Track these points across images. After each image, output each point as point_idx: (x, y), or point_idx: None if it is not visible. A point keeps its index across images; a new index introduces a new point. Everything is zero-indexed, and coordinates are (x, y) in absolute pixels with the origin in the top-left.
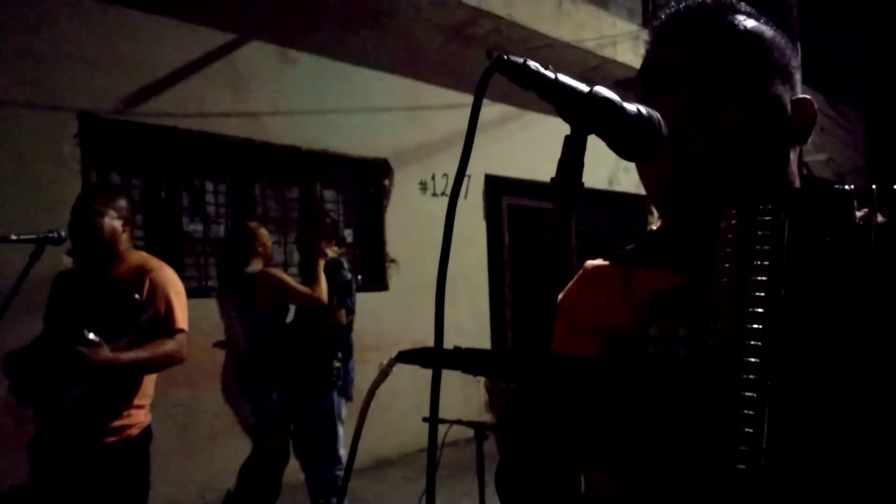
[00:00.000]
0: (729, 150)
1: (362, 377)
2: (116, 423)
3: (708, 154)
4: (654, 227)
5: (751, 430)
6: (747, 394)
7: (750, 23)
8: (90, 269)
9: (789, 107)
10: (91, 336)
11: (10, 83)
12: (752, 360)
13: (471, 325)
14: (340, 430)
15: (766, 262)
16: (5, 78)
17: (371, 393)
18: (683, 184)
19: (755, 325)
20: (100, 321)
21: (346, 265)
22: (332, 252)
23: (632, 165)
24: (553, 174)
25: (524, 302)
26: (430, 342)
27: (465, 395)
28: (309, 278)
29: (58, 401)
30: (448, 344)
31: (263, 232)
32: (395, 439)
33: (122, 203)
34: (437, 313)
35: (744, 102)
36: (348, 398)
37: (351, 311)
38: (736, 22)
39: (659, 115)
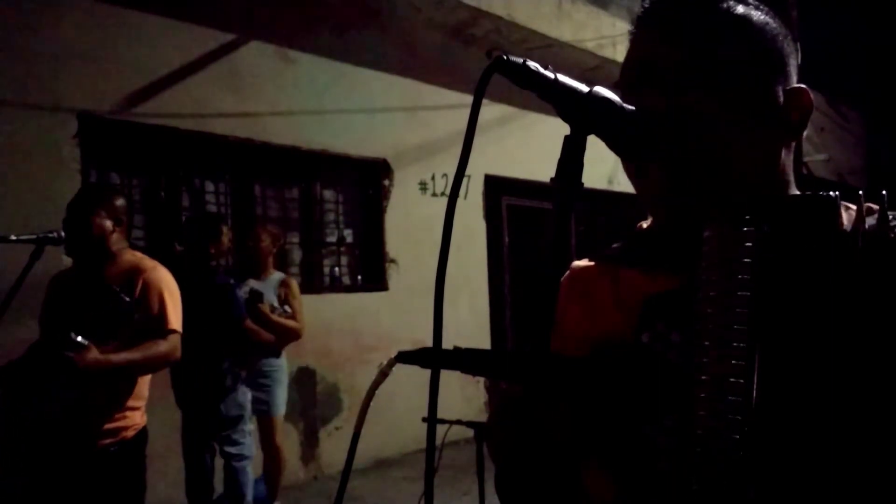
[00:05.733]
0: (717, 150)
1: (362, 377)
2: (111, 426)
3: (696, 154)
4: (644, 226)
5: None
6: (731, 416)
7: (739, 8)
8: (84, 268)
9: (781, 98)
10: (79, 339)
11: (10, 83)
12: (736, 380)
13: (470, 325)
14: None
15: (748, 276)
16: (5, 78)
17: (370, 393)
18: (673, 186)
19: (739, 343)
20: (91, 323)
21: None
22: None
23: None
24: (553, 174)
25: (524, 302)
26: (430, 342)
27: (465, 395)
28: None
29: (49, 408)
30: (447, 344)
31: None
32: (395, 439)
33: (116, 202)
34: (437, 313)
35: (730, 96)
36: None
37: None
38: (723, 8)
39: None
